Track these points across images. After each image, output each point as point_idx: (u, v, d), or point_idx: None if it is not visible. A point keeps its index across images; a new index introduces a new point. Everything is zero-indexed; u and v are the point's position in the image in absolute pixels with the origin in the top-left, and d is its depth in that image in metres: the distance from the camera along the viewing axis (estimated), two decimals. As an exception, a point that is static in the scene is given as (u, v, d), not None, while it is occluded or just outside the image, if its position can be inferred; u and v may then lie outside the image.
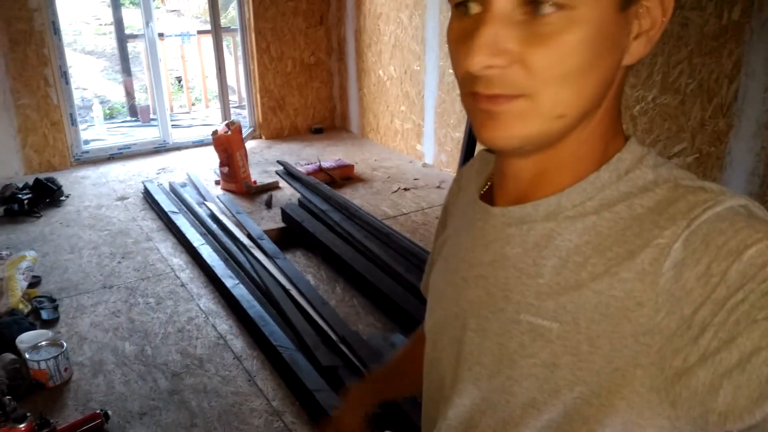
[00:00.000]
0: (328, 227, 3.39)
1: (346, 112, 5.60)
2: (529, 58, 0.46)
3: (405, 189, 4.22)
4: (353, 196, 4.05)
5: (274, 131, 5.43)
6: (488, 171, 0.66)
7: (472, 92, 0.50)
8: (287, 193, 4.13)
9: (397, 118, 4.93)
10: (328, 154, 4.89)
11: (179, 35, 7.41)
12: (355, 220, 3.41)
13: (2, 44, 4.19)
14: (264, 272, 2.98)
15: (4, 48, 4.20)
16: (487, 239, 0.59)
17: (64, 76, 4.57)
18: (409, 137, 4.85)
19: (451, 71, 4.20)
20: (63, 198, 4.09)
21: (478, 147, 0.67)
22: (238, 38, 5.31)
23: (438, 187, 4.25)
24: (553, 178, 0.55)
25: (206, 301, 2.95)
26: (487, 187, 0.65)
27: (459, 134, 4.22)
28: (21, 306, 2.70)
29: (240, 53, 5.36)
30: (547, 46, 0.46)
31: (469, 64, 0.47)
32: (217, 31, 5.08)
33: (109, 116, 6.43)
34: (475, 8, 0.48)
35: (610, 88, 0.52)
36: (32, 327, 2.59)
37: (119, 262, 3.32)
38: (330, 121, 5.68)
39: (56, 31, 4.44)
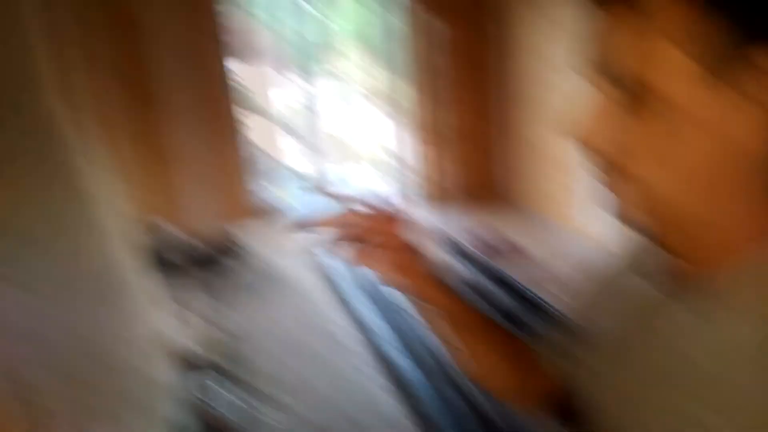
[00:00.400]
0: (495, 307, 3.13)
1: (508, 181, 5.36)
2: None
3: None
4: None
5: (444, 195, 5.34)
6: (659, 252, 0.58)
7: None
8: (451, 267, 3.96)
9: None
10: (488, 226, 4.67)
11: (344, 104, 7.76)
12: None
13: (192, 104, 4.60)
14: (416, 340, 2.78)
15: (193, 108, 4.61)
16: (661, 319, 0.55)
17: (247, 137, 4.89)
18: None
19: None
20: (244, 250, 4.30)
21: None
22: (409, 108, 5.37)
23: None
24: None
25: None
26: (662, 265, 0.59)
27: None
28: (205, 349, 2.76)
29: (408, 122, 5.41)
30: None
31: None
32: (382, 100, 5.20)
33: (287, 178, 6.83)
34: None
35: None
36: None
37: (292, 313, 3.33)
38: (489, 189, 5.48)
39: (240, 94, 4.81)
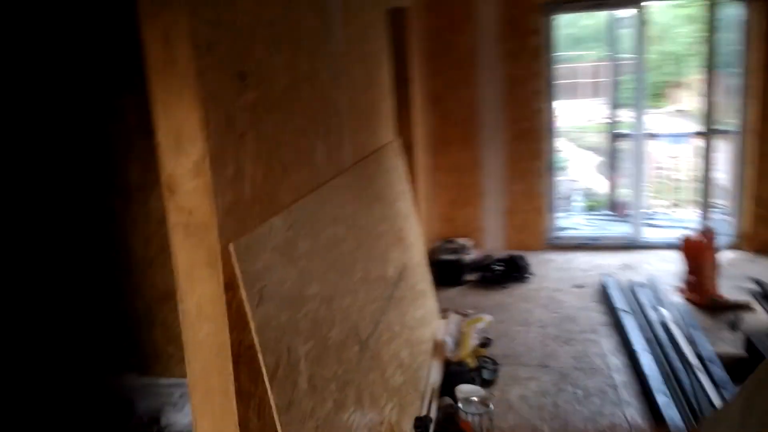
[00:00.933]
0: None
1: None
2: None
3: None
4: None
5: (762, 244, 4.67)
6: None
7: None
8: (761, 318, 3.48)
9: None
10: (833, 281, 3.89)
11: (672, 135, 7.27)
12: None
13: (506, 138, 5.02)
14: (705, 400, 2.58)
15: (506, 141, 5.02)
16: None
17: (551, 168, 5.12)
18: None
19: None
20: (528, 275, 4.53)
21: None
22: (739, 140, 4.84)
23: None
24: None
25: (633, 411, 2.75)
26: None
27: None
28: (468, 360, 3.11)
29: (737, 156, 4.87)
30: None
31: None
32: (711, 132, 4.79)
33: (591, 208, 6.79)
34: None
35: None
36: (472, 381, 2.94)
37: (560, 346, 3.44)
38: None
39: (551, 129, 5.03)
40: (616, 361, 3.22)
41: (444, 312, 3.66)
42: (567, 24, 11.87)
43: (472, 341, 3.27)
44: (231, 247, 1.43)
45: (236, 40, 1.53)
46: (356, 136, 2.56)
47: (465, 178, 5.15)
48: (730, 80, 4.81)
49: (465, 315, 3.64)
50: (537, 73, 4.86)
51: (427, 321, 3.26)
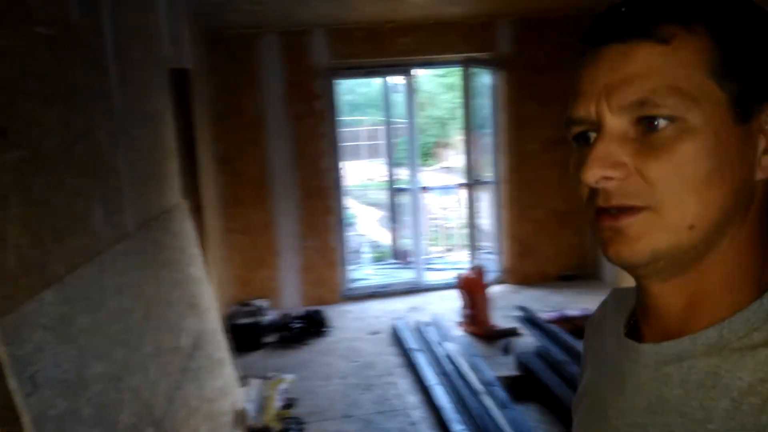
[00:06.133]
0: (566, 381, 3.14)
1: (598, 259, 5.33)
2: (645, 169, 0.48)
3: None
4: (600, 350, 3.72)
5: (522, 277, 5.42)
6: (627, 308, 0.62)
7: (595, 208, 0.51)
8: (527, 340, 4.00)
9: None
10: (575, 303, 4.65)
11: (442, 188, 8.16)
12: (596, 376, 3.11)
13: (298, 197, 5.15)
14: (492, 422, 2.86)
15: (299, 200, 5.15)
16: (638, 381, 0.54)
17: (342, 223, 5.37)
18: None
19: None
20: (327, 329, 4.61)
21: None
22: (494, 189, 5.61)
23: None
24: (708, 308, 0.51)
25: (432, 444, 2.93)
26: (629, 324, 0.60)
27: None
28: (273, 424, 3.03)
29: (494, 203, 5.64)
30: (661, 158, 0.47)
31: (586, 176, 0.49)
32: (472, 183, 5.48)
33: (378, 259, 7.21)
34: (593, 136, 0.51)
35: (749, 202, 0.50)
36: (279, 444, 2.87)
37: (362, 393, 3.54)
38: (580, 268, 5.46)
39: (339, 186, 5.30)
40: (413, 399, 3.41)
41: (244, 378, 3.53)
42: (347, 91, 12.78)
43: (276, 404, 3.21)
44: (-7, 329, 1.24)
45: (-5, 94, 1.38)
46: (140, 198, 2.41)
47: (259, 238, 5.13)
48: (486, 139, 5.61)
49: (266, 378, 3.55)
50: (323, 134, 5.12)
51: (227, 391, 3.11)
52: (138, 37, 2.67)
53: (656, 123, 0.47)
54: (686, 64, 0.47)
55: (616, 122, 0.49)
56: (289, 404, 3.35)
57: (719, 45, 0.48)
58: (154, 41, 2.98)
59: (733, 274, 0.51)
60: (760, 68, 0.48)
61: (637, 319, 0.59)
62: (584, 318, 4.08)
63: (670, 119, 0.47)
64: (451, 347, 3.84)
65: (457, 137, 15.29)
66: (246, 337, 4.30)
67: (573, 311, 4.18)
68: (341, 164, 5.37)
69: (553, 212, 5.39)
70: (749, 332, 0.48)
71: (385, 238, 8.77)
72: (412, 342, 4.04)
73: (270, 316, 4.68)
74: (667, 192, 0.47)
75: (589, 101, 0.50)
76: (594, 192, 0.50)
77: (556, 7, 4.82)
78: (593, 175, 0.48)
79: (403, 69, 5.37)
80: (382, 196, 11.64)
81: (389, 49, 5.05)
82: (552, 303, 4.74)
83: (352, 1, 4.10)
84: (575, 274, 5.42)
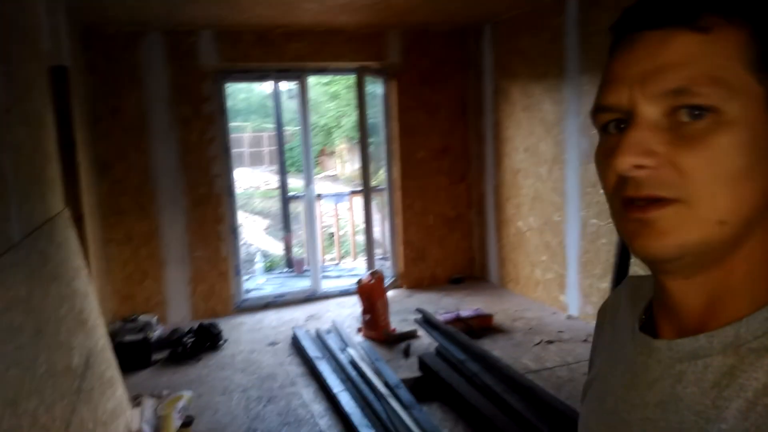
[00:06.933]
0: (465, 378, 3.28)
1: (485, 262, 5.63)
2: (680, 160, 0.46)
3: (548, 342, 4.02)
4: (492, 347, 3.93)
5: (414, 281, 5.58)
6: (643, 299, 0.61)
7: (623, 198, 0.49)
8: (425, 342, 4.12)
9: (538, 268, 4.85)
10: (467, 304, 4.87)
11: (334, 195, 8.19)
12: (494, 372, 3.28)
13: (186, 204, 4.92)
14: (399, 423, 2.91)
15: (186, 207, 4.92)
16: (651, 376, 0.53)
17: (234, 232, 5.20)
18: (551, 288, 4.71)
19: (594, 220, 4.13)
20: (221, 342, 4.43)
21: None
22: (387, 196, 5.73)
23: (584, 341, 3.99)
24: (728, 306, 0.50)
25: (342, 450, 2.92)
26: (644, 317, 0.59)
27: (606, 284, 4.03)
28: (174, 443, 2.86)
29: (387, 209, 5.76)
30: (696, 149, 0.46)
31: (618, 163, 0.47)
32: (367, 191, 5.56)
33: (269, 268, 7.06)
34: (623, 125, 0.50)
35: None
36: (181, 465, 2.71)
37: (264, 406, 3.44)
38: (469, 271, 5.74)
39: (231, 193, 5.14)
40: (319, 408, 3.38)
41: (136, 398, 3.30)
42: (231, 95, 12.43)
43: (175, 422, 3.03)
44: None
45: None
46: (25, 205, 2.18)
47: (142, 249, 4.82)
48: (378, 146, 5.71)
49: (161, 397, 3.35)
50: (213, 138, 4.93)
51: (120, 412, 2.89)
52: (16, 30, 2.42)
53: (694, 113, 0.46)
54: (725, 54, 0.46)
55: (650, 110, 0.47)
56: (188, 422, 3.17)
57: (759, 38, 0.47)
58: (32, 35, 2.72)
59: (757, 274, 0.50)
60: None
61: (652, 312, 0.58)
62: (477, 318, 4.29)
63: (708, 110, 0.46)
64: (353, 353, 3.85)
65: (342, 145, 15.43)
66: (133, 355, 4.01)
67: (466, 312, 4.37)
68: (233, 170, 5.21)
69: (442, 218, 5.61)
70: (767, 332, 0.47)
71: (273, 246, 8.62)
72: (313, 350, 4.00)
73: (158, 332, 4.41)
74: (700, 185, 0.46)
75: (621, 88, 0.49)
76: (622, 181, 0.49)
77: (441, 20, 5.05)
78: (626, 162, 0.47)
79: (296, 74, 5.33)
80: (269, 204, 11.44)
81: (281, 54, 4.99)
82: (445, 305, 4.93)
83: (242, 2, 4.00)
84: (465, 277, 5.68)
